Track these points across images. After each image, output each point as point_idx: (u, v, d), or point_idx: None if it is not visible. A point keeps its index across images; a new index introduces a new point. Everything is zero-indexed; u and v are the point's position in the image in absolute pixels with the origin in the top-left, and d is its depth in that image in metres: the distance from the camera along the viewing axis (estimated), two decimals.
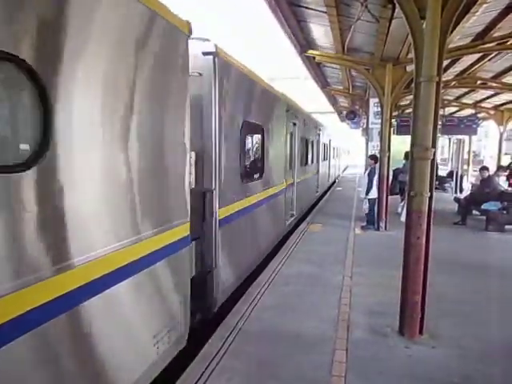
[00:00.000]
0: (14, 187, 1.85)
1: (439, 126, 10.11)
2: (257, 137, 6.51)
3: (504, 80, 11.82)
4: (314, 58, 10.00)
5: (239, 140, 5.30)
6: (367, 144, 16.19)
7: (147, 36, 2.91)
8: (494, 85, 12.35)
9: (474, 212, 10.75)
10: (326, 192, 18.16)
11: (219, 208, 4.51)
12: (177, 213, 3.46)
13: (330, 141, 19.72)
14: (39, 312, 1.95)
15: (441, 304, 4.87)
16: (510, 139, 19.69)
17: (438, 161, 25.12)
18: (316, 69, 12.27)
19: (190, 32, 3.54)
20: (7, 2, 1.76)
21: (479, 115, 17.03)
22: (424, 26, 3.92)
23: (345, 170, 37.92)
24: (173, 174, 3.39)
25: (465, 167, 19.05)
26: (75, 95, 2.18)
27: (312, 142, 12.90)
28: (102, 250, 2.42)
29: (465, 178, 17.87)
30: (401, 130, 14.76)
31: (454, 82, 12.43)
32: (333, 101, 21.00)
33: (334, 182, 24.26)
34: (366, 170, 11.01)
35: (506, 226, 9.60)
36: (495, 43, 8.00)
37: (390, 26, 7.05)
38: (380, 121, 10.10)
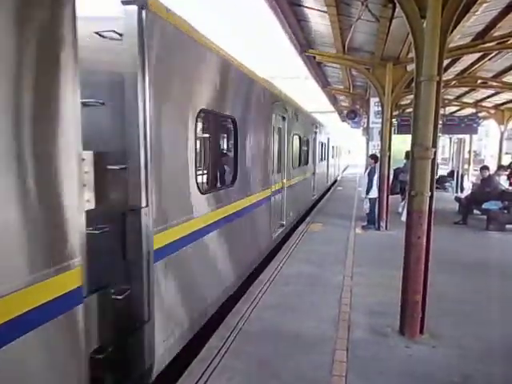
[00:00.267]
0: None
1: (440, 126, 10.12)
2: (225, 132, 5.38)
3: (504, 79, 11.81)
4: (314, 57, 10.01)
5: (193, 136, 3.87)
6: (368, 143, 16.19)
7: None
8: (495, 84, 12.35)
9: (475, 211, 10.74)
10: (324, 194, 17.19)
11: (157, 233, 3.20)
12: (45, 254, 2.15)
13: (328, 139, 18.42)
14: None
15: (441, 304, 4.86)
16: (510, 138, 19.68)
17: (439, 160, 25.19)
18: (316, 68, 12.27)
19: None
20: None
21: (480, 114, 17.01)
22: (424, 25, 3.92)
23: (345, 169, 37.91)
24: (35, 190, 2.07)
25: (465, 166, 19.04)
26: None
27: (307, 141, 11.74)
28: None
29: (465, 177, 17.85)
30: (401, 130, 14.76)
31: (454, 82, 12.42)
32: (333, 100, 21.01)
33: (335, 182, 23.63)
34: (366, 169, 11.00)
35: (507, 226, 9.60)
36: (495, 42, 7.99)
37: (390, 25, 7.05)
38: (380, 120, 10.09)
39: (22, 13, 1.94)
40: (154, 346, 3.18)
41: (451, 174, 17.94)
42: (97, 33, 2.76)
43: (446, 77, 11.09)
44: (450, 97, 16.07)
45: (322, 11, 7.06)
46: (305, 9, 7.37)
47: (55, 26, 2.16)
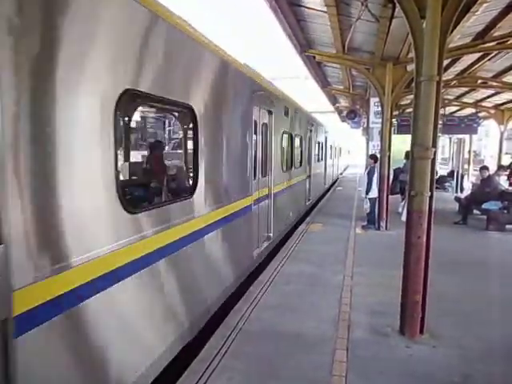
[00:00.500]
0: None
1: (440, 126, 10.12)
2: (178, 125, 4.68)
3: (504, 79, 11.81)
4: (314, 57, 10.01)
5: (112, 129, 2.68)
6: (368, 143, 16.19)
7: None
8: (495, 84, 12.35)
9: (475, 211, 10.74)
10: (322, 197, 16.21)
11: (22, 287, 2.01)
12: None
13: (326, 138, 17.40)
14: None
15: (441, 303, 4.86)
16: (510, 138, 19.68)
17: (439, 160, 25.21)
18: (316, 68, 12.27)
19: None
20: None
21: (480, 114, 17.01)
22: (424, 25, 3.92)
23: (345, 169, 37.90)
24: None
25: (465, 167, 19.04)
26: None
27: (301, 140, 10.67)
28: None
29: (465, 177, 17.86)
30: (401, 130, 14.77)
31: (454, 82, 12.43)
32: (333, 100, 21.01)
33: (334, 183, 22.99)
34: (366, 169, 11.01)
35: (507, 226, 9.60)
36: (495, 42, 8.00)
37: (390, 25, 7.05)
38: (380, 120, 10.09)
39: None
40: None
41: (451, 174, 17.95)
42: None
43: (445, 77, 11.09)
44: (449, 97, 16.08)
45: (321, 11, 7.06)
46: (305, 9, 7.37)
47: None
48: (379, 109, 10.33)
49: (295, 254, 7.42)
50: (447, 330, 4.36)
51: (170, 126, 4.35)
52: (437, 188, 4.74)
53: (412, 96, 4.24)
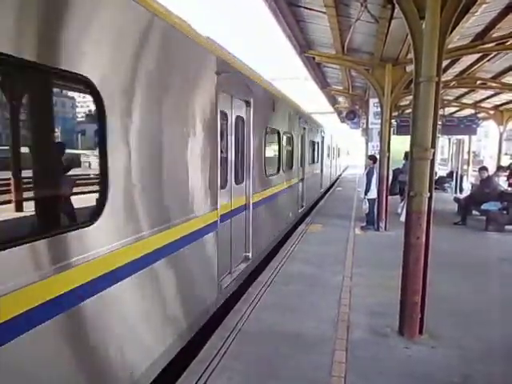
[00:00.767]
0: None
1: (439, 126, 10.14)
2: (88, 114, 2.87)
3: (504, 80, 11.83)
4: (313, 58, 10.01)
5: None
6: (367, 144, 16.20)
7: None
8: (494, 85, 12.36)
9: (474, 212, 10.75)
10: (318, 202, 15.04)
11: None
12: None
13: (323, 138, 16.26)
14: None
15: (440, 304, 4.86)
16: (509, 139, 19.70)
17: (438, 161, 25.23)
18: (316, 69, 12.28)
19: None
20: None
21: (479, 115, 17.03)
22: (423, 26, 3.93)
23: (344, 170, 37.94)
24: None
25: (465, 167, 19.06)
26: None
27: (292, 139, 9.34)
28: None
29: (464, 178, 17.88)
30: (400, 131, 14.78)
31: (453, 83, 12.44)
32: (333, 101, 21.02)
33: (332, 185, 22.04)
34: (365, 170, 11.01)
35: (506, 227, 9.61)
36: (494, 43, 8.01)
37: (389, 26, 7.06)
38: (380, 121, 10.11)
39: None
40: None
41: (450, 174, 17.96)
42: None
43: (445, 78, 11.10)
44: (449, 97, 16.09)
45: (321, 12, 7.07)
46: (304, 9, 7.37)
47: None
48: (378, 109, 10.34)
49: (294, 255, 7.42)
50: (446, 331, 4.36)
51: (75, 116, 2.66)
52: (436, 189, 4.73)
53: (411, 97, 4.25)
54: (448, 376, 3.52)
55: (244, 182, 5.79)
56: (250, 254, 6.02)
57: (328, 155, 19.14)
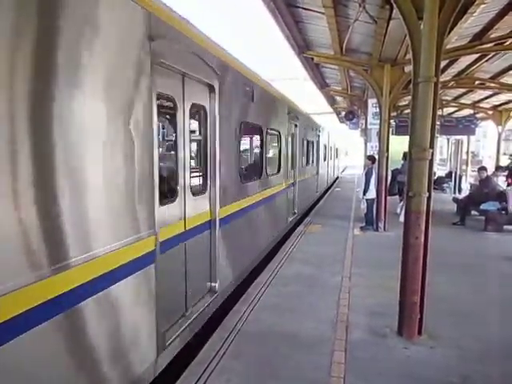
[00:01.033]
0: None
1: (437, 127, 10.16)
2: None
3: (502, 80, 11.85)
4: (312, 58, 10.02)
5: None
6: (366, 144, 16.21)
7: None
8: (492, 85, 12.38)
9: (473, 212, 10.76)
10: (314, 205, 14.21)
11: None
12: None
13: (319, 137, 15.09)
14: None
15: (439, 304, 4.87)
16: (508, 139, 19.73)
17: (437, 161, 25.27)
18: (314, 69, 12.29)
19: None
20: None
21: (477, 115, 17.06)
22: (422, 26, 3.93)
23: (343, 170, 37.97)
24: None
25: (463, 167, 19.08)
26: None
27: (278, 137, 8.06)
28: None
29: (463, 178, 17.90)
30: (399, 131, 14.81)
31: (452, 83, 12.45)
32: (331, 101, 21.04)
33: (330, 187, 21.25)
34: (364, 170, 11.02)
35: (505, 227, 9.62)
36: (493, 44, 8.02)
37: (387, 26, 7.07)
38: (378, 121, 10.12)
39: None
40: None
41: (449, 174, 17.99)
42: None
43: (443, 78, 11.13)
44: (447, 98, 16.12)
45: (319, 12, 7.07)
46: (302, 10, 7.38)
47: None
48: (377, 110, 10.35)
49: (294, 255, 7.42)
50: (445, 331, 4.36)
51: None
52: (435, 189, 4.74)
53: (410, 97, 4.25)
54: (447, 376, 3.52)
55: (207, 192, 4.47)
56: (217, 285, 4.65)
57: (325, 156, 18.03)
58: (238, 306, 5.02)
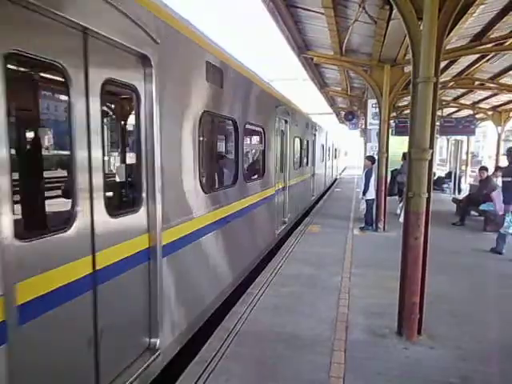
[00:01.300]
0: None
1: (437, 127, 10.15)
2: None
3: (502, 81, 11.86)
4: (312, 59, 10.03)
5: None
6: (366, 145, 16.22)
7: None
8: (492, 86, 12.39)
9: (473, 213, 10.76)
10: (309, 211, 12.78)
11: None
12: None
13: (315, 136, 13.87)
14: None
15: (439, 304, 4.87)
16: (507, 140, 19.74)
17: (437, 161, 25.28)
18: (314, 70, 12.30)
19: None
20: None
21: (477, 116, 17.09)
22: (421, 27, 3.94)
23: (343, 171, 37.99)
24: None
25: (463, 168, 19.10)
26: None
27: (262, 134, 6.84)
28: None
29: (463, 178, 17.92)
30: (399, 131, 14.83)
31: (451, 83, 12.46)
32: (331, 102, 21.05)
33: (328, 189, 19.94)
34: (363, 170, 11.02)
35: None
36: (493, 44, 8.03)
37: (387, 27, 7.08)
38: (378, 122, 10.12)
39: None
40: None
41: (449, 175, 18.00)
42: None
43: (443, 78, 11.13)
44: (447, 98, 16.13)
45: (319, 13, 7.08)
46: (302, 10, 7.38)
47: None
48: (377, 110, 10.36)
49: (293, 256, 7.41)
50: (445, 331, 4.36)
51: None
52: (434, 189, 4.75)
53: (409, 97, 4.25)
54: (446, 377, 3.52)
55: (142, 209, 3.19)
56: (158, 341, 3.35)
57: (322, 156, 16.93)
58: (237, 306, 5.01)
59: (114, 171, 3.53)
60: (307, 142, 12.21)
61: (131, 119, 3.45)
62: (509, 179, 7.35)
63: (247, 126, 5.87)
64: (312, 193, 14.09)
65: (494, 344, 4.09)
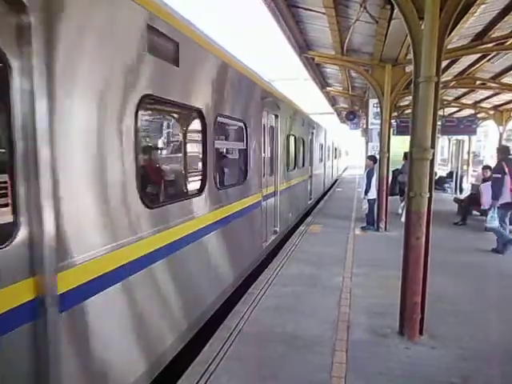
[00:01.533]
0: None
1: (439, 127, 10.15)
2: None
3: (503, 80, 11.83)
4: (313, 59, 10.02)
5: None
6: (367, 144, 16.21)
7: None
8: (493, 85, 12.37)
9: (474, 212, 10.74)
10: (304, 217, 11.73)
11: None
12: None
13: (312, 134, 12.96)
14: None
15: (441, 304, 4.87)
16: (509, 139, 19.69)
17: (438, 161, 25.25)
18: (315, 70, 12.30)
19: None
20: None
21: (479, 115, 17.04)
22: (423, 26, 3.93)
23: (344, 171, 37.97)
24: None
25: (464, 167, 19.07)
26: None
27: (243, 131, 5.65)
28: None
29: (464, 178, 17.89)
30: (400, 131, 14.81)
31: (453, 83, 12.44)
32: (332, 102, 21.04)
33: (327, 192, 18.91)
34: (365, 170, 11.02)
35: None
36: (494, 43, 8.01)
37: (388, 26, 7.07)
38: (379, 121, 10.11)
39: None
40: None
41: (450, 174, 17.98)
42: None
43: (444, 78, 11.11)
44: (448, 98, 16.11)
45: (320, 12, 7.07)
46: (303, 10, 7.38)
47: None
48: (378, 110, 10.35)
49: (295, 255, 7.41)
50: (447, 331, 4.35)
51: None
52: (436, 189, 4.74)
53: (411, 97, 4.25)
54: (448, 376, 3.51)
55: (17, 239, 2.05)
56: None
57: (321, 156, 15.92)
58: (238, 306, 5.01)
59: None
60: (303, 140, 11.26)
61: None
62: (498, 175, 7.63)
63: (220, 120, 4.74)
64: (309, 196, 13.24)
65: (495, 344, 4.08)
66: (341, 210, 13.17)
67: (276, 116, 7.65)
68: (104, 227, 2.65)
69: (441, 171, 20.66)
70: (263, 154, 6.70)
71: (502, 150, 7.93)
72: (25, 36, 2.01)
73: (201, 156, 4.36)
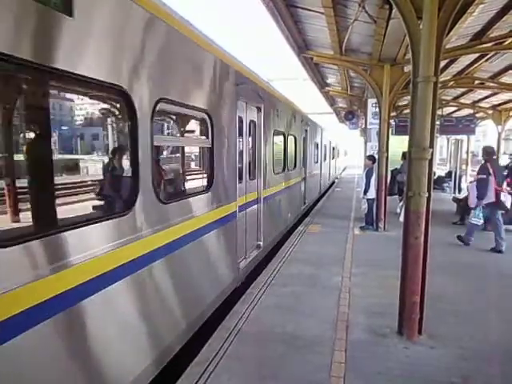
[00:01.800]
0: None
1: (437, 126, 10.14)
2: None
3: (501, 80, 11.84)
4: (311, 58, 10.02)
5: None
6: (366, 144, 16.19)
7: None
8: (492, 85, 12.38)
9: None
10: (299, 222, 10.89)
11: None
12: None
13: (306, 132, 12.10)
14: None
15: (440, 304, 4.87)
16: (508, 139, 19.71)
17: (437, 161, 25.26)
18: (314, 70, 12.29)
19: None
20: None
21: (477, 115, 17.05)
22: (421, 26, 3.93)
23: (343, 171, 37.98)
24: None
25: (463, 167, 19.07)
26: None
27: (210, 124, 4.42)
28: None
29: (463, 178, 17.90)
30: (399, 131, 14.81)
31: (451, 82, 12.45)
32: (331, 101, 21.04)
33: (325, 193, 18.12)
34: (364, 170, 11.01)
35: (505, 226, 9.58)
36: (492, 43, 8.02)
37: (387, 26, 7.07)
38: (378, 121, 10.12)
39: None
40: None
41: (449, 174, 17.99)
42: None
43: (443, 77, 11.12)
44: (447, 97, 16.11)
45: (318, 12, 7.07)
46: (302, 10, 7.38)
47: None
48: (377, 110, 10.35)
49: (294, 255, 7.41)
50: (446, 331, 4.36)
51: None
52: (435, 188, 4.73)
53: (409, 97, 4.25)
54: (447, 376, 3.52)
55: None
56: None
57: (317, 156, 14.96)
58: (238, 306, 5.01)
59: None
60: (295, 138, 10.10)
61: None
62: (483, 176, 7.79)
63: (163, 107, 3.52)
64: (303, 200, 12.19)
65: (494, 343, 4.08)
66: (340, 209, 13.18)
67: (258, 108, 6.50)
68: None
69: (439, 171, 20.69)
70: (239, 154, 5.55)
71: (487, 151, 8.02)
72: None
73: (128, 157, 3.10)
